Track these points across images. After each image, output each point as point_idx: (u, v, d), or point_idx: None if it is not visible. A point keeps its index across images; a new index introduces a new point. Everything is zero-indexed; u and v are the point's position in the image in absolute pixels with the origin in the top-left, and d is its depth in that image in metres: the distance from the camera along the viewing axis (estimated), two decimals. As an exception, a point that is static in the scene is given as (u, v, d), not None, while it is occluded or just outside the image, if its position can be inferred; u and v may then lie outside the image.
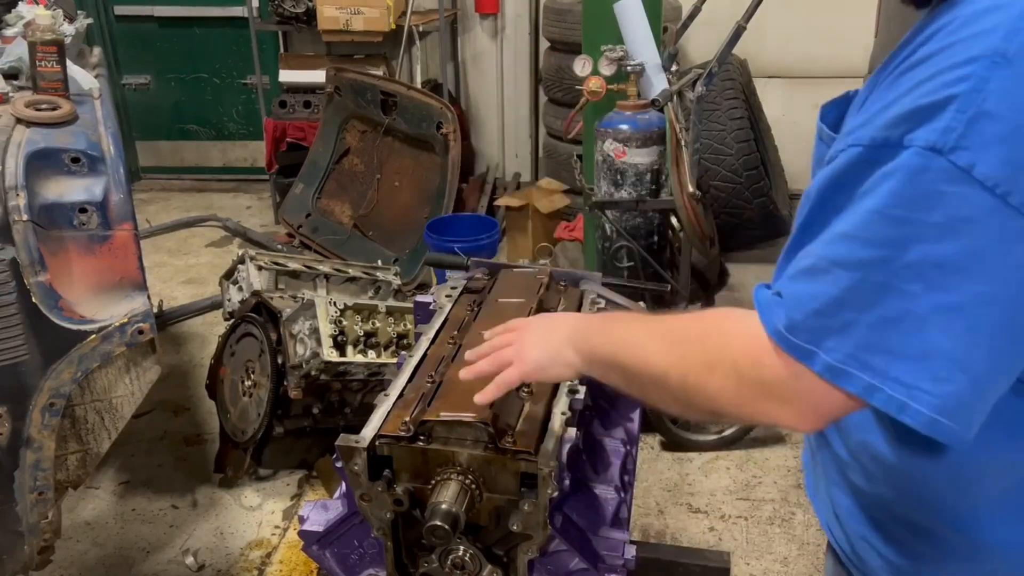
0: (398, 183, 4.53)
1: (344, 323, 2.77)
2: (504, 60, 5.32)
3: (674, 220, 3.01)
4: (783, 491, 2.89)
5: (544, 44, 4.89)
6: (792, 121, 4.57)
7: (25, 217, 1.63)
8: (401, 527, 1.24)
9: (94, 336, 1.69)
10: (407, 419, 1.19)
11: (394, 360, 2.73)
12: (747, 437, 3.10)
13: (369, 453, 1.18)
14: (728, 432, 3.08)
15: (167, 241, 5.03)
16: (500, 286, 1.64)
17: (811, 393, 0.78)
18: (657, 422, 3.01)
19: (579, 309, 1.60)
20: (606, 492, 1.38)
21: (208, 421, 3.25)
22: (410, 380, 1.35)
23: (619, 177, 2.93)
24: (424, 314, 1.67)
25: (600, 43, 2.93)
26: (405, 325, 2.91)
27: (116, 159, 1.78)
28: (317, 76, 4.86)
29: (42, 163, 1.70)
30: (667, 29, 3.25)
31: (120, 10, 5.67)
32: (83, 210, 1.71)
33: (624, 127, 2.88)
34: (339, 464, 1.21)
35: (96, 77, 2.15)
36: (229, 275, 3.17)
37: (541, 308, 1.51)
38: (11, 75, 2.05)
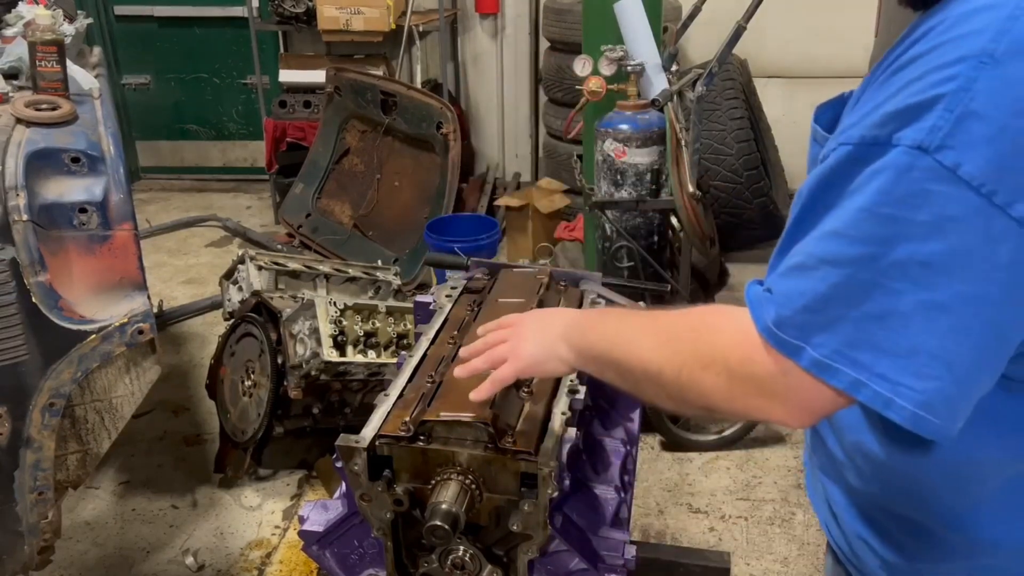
0: (398, 183, 4.53)
1: (344, 323, 2.77)
2: (504, 60, 5.32)
3: (674, 220, 3.01)
4: (783, 491, 2.89)
5: (544, 44, 4.89)
6: (792, 121, 4.57)
7: (25, 217, 1.63)
8: (401, 527, 1.24)
9: (94, 336, 1.69)
10: (407, 419, 1.19)
11: (394, 360, 2.73)
12: (747, 437, 3.10)
13: (369, 453, 1.18)
14: (728, 432, 3.08)
15: (167, 241, 5.03)
16: (500, 286, 1.64)
17: (800, 389, 0.79)
18: (657, 422, 3.01)
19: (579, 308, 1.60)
20: (606, 492, 1.38)
21: (208, 421, 3.25)
22: (410, 380, 1.35)
23: (619, 177, 2.93)
24: (424, 314, 1.67)
25: (600, 43, 2.93)
26: (405, 325, 2.91)
27: (116, 159, 1.78)
28: (317, 76, 4.86)
29: (42, 163, 1.70)
30: (667, 29, 3.25)
31: (120, 10, 5.67)
32: (83, 210, 1.71)
33: (624, 127, 2.88)
34: (339, 464, 1.21)
35: (96, 77, 2.15)
36: (229, 275, 3.18)
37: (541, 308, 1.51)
38: (11, 75, 2.05)
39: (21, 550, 1.81)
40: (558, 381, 1.34)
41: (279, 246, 4.65)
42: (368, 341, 2.81)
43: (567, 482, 1.21)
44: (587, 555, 1.25)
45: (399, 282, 3.23)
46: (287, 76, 5.12)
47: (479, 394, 1.13)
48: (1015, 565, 0.93)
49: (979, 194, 0.70)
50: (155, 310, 2.45)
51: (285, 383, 2.63)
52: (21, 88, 2.01)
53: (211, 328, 3.88)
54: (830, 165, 0.78)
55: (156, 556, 2.64)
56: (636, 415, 1.57)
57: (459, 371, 1.17)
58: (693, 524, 2.75)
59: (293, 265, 3.10)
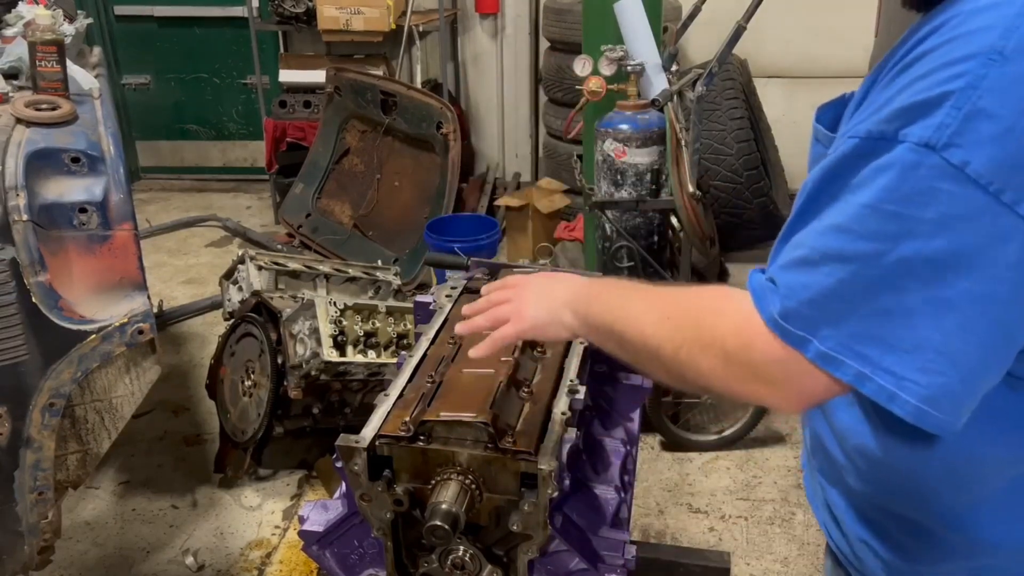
0: (398, 183, 4.53)
1: (344, 323, 2.77)
2: (504, 60, 5.32)
3: (674, 220, 3.01)
4: (783, 491, 2.89)
5: (544, 44, 4.89)
6: (792, 121, 4.57)
7: (25, 217, 1.63)
8: (401, 527, 1.24)
9: (94, 336, 1.69)
10: (407, 419, 1.19)
11: (394, 360, 2.73)
12: (747, 437, 3.10)
13: (369, 453, 1.18)
14: (728, 432, 3.08)
15: (167, 241, 5.03)
16: (500, 286, 1.64)
17: (800, 377, 0.79)
18: (657, 422, 3.01)
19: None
20: (606, 492, 1.38)
21: (208, 421, 3.25)
22: (410, 380, 1.35)
23: (619, 177, 2.93)
24: (424, 314, 1.67)
25: (600, 43, 2.93)
26: (405, 325, 2.91)
27: (116, 159, 1.78)
28: (317, 76, 4.86)
29: (42, 163, 1.70)
30: (667, 29, 3.25)
31: (120, 10, 5.67)
32: (83, 210, 1.71)
33: (624, 127, 2.88)
34: (339, 464, 1.21)
35: (96, 77, 2.15)
36: (229, 275, 3.18)
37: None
38: (11, 75, 2.05)
39: (21, 550, 1.81)
40: (558, 381, 1.34)
41: (279, 246, 4.65)
42: (368, 341, 2.81)
43: (567, 482, 1.21)
44: (587, 555, 1.25)
45: (399, 282, 3.23)
46: (287, 76, 5.12)
47: (478, 352, 1.14)
48: (1015, 565, 0.93)
49: (987, 192, 0.70)
50: (155, 310, 2.45)
51: (285, 383, 2.63)
52: (21, 88, 2.01)
53: (211, 328, 3.88)
54: (836, 157, 0.78)
55: (156, 556, 2.64)
56: (636, 415, 1.57)
57: (460, 328, 1.18)
58: (693, 524, 2.75)
59: (293, 265, 3.10)
